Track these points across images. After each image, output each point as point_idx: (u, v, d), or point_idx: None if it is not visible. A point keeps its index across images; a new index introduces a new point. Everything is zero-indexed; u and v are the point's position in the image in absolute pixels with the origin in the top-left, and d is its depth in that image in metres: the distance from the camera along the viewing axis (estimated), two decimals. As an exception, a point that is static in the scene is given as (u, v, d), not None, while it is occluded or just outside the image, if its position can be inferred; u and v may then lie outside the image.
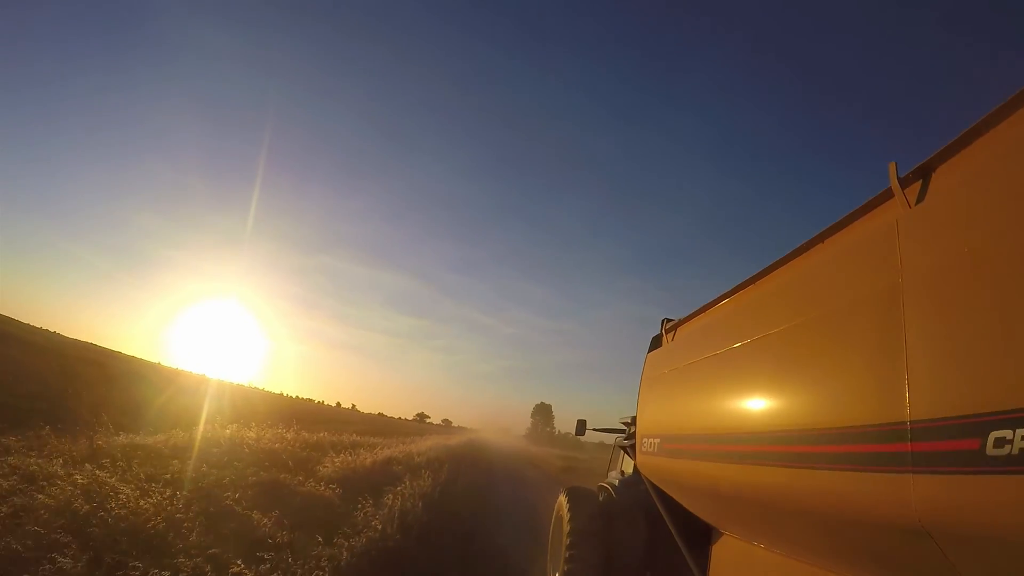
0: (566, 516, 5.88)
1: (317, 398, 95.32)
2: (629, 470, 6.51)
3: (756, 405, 2.29)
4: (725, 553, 3.28)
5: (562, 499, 6.30)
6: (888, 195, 1.89)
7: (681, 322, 3.75)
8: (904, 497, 1.50)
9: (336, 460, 12.48)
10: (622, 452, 7.07)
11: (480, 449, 39.89)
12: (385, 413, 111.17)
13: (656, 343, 4.04)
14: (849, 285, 1.91)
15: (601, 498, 6.39)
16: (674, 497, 3.54)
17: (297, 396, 76.17)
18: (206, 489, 7.25)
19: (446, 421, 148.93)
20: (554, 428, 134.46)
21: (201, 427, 12.21)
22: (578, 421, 8.46)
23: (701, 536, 3.70)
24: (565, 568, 5.53)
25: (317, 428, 19.92)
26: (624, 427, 7.56)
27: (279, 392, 65.08)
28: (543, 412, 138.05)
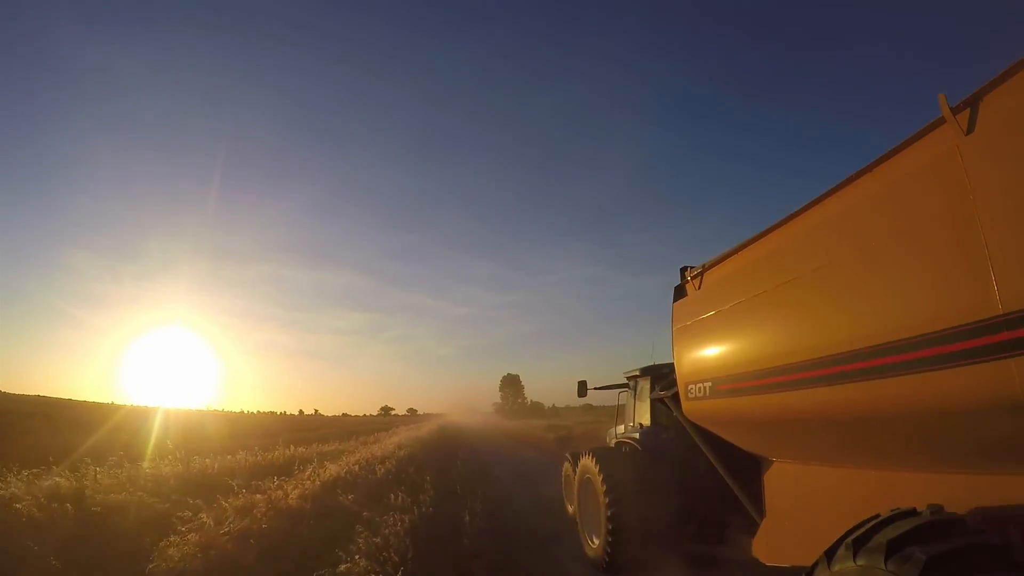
0: (598, 477, 6.04)
1: (279, 410, 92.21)
2: (646, 421, 6.80)
3: (829, 331, 2.52)
4: (781, 479, 3.57)
5: (588, 463, 6.45)
6: (940, 122, 2.11)
7: (708, 268, 3.94)
8: (1007, 378, 1.75)
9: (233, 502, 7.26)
10: (633, 404, 7.36)
11: (456, 436, 35.13)
12: (349, 413, 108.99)
13: (680, 292, 4.25)
14: (918, 206, 2.14)
15: (626, 451, 6.66)
16: (725, 436, 3.80)
17: (257, 411, 73.27)
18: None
19: (411, 411, 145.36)
20: (525, 399, 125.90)
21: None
22: (579, 383, 8.61)
23: (746, 471, 4.00)
24: (610, 527, 5.67)
25: (274, 442, 16.78)
26: (628, 382, 7.86)
27: (239, 411, 62.31)
28: (512, 384, 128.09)
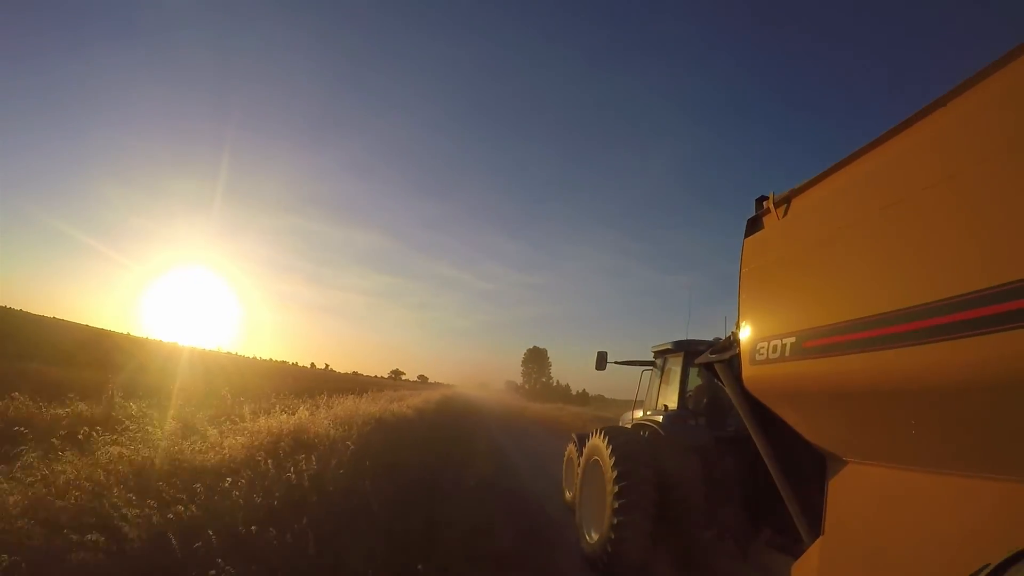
0: (608, 461, 5.06)
1: (290, 360, 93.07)
2: (673, 403, 5.77)
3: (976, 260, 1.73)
4: (856, 486, 2.55)
5: (597, 442, 5.49)
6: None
7: (799, 191, 2.85)
8: None
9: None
10: (659, 384, 6.33)
11: (471, 412, 30.71)
12: (360, 372, 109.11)
13: (755, 225, 3.13)
14: None
15: (645, 436, 5.65)
16: (793, 420, 2.74)
17: (270, 359, 74.28)
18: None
19: (422, 377, 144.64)
20: (551, 378, 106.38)
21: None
22: (598, 353, 7.52)
23: (804, 474, 2.96)
24: (615, 522, 4.73)
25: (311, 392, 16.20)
26: (655, 359, 6.79)
27: (251, 356, 63.03)
28: (537, 359, 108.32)
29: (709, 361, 3.43)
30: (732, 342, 3.13)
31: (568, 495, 8.18)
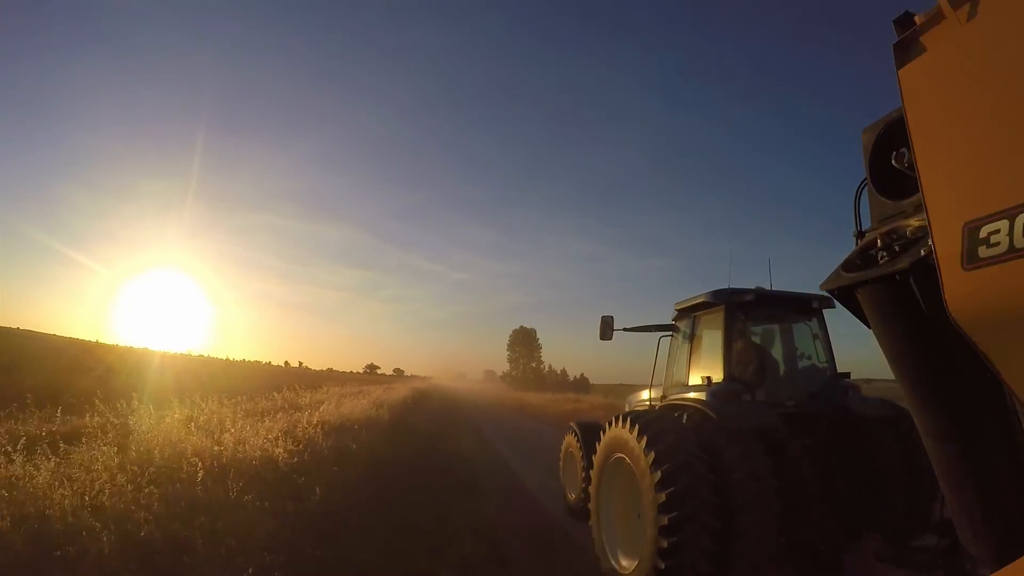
0: (643, 459, 3.71)
1: (263, 360, 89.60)
2: (717, 374, 4.49)
3: None
4: None
5: (622, 433, 4.13)
6: None
7: None
8: None
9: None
10: (688, 352, 5.09)
11: (451, 412, 24.38)
12: (335, 368, 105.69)
13: (911, 49, 1.84)
14: None
15: (686, 421, 4.29)
16: None
17: (243, 360, 71.60)
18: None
19: (398, 371, 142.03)
20: (542, 362, 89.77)
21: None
22: (602, 319, 6.14)
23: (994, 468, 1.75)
24: (663, 545, 3.44)
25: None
26: (677, 320, 5.57)
27: (224, 358, 60.40)
28: (524, 341, 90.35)
29: (858, 281, 2.01)
30: (903, 236, 1.84)
31: (571, 497, 6.98)
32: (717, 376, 4.48)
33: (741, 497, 3.51)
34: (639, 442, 3.82)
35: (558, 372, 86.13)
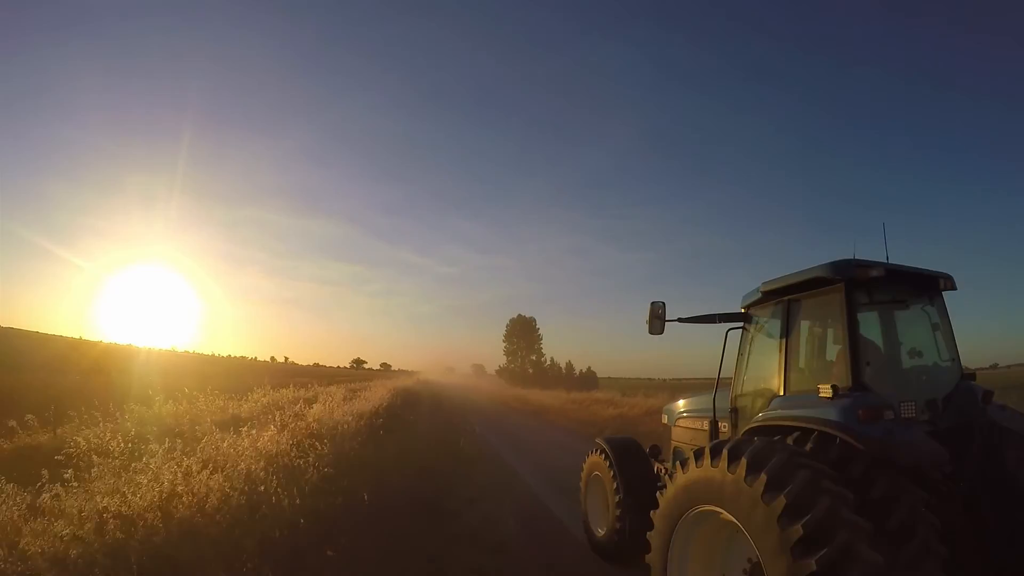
0: (773, 507, 2.46)
1: (249, 355, 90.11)
2: (843, 380, 3.32)
3: None
4: None
5: (712, 475, 2.91)
6: None
7: None
8: None
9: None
10: (781, 350, 3.84)
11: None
12: (321, 363, 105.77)
13: None
14: None
15: (810, 449, 3.02)
16: None
17: (228, 356, 71.95)
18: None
19: (384, 365, 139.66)
20: (543, 356, 78.07)
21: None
22: (651, 306, 4.74)
23: None
24: None
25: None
26: (759, 305, 4.27)
27: (210, 353, 61.00)
28: (524, 332, 78.18)
29: None
30: None
31: (599, 532, 5.49)
32: (845, 382, 3.24)
33: (903, 550, 2.48)
34: (759, 480, 2.56)
35: (561, 366, 77.48)
